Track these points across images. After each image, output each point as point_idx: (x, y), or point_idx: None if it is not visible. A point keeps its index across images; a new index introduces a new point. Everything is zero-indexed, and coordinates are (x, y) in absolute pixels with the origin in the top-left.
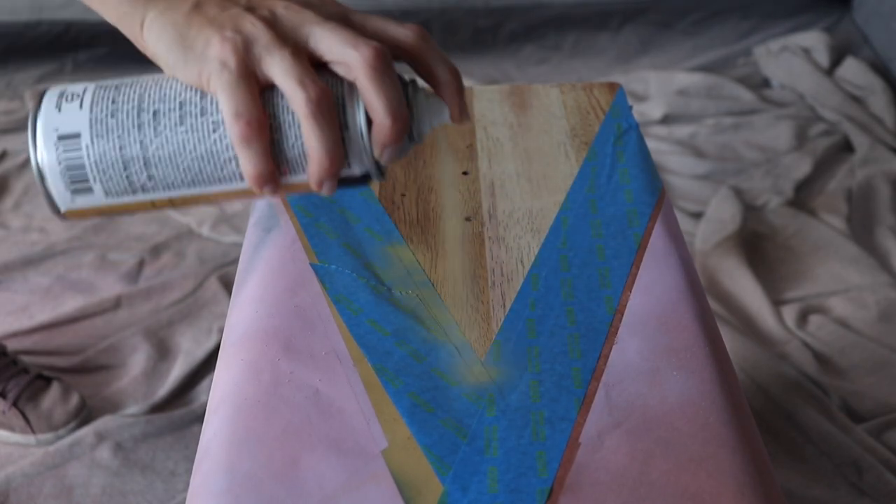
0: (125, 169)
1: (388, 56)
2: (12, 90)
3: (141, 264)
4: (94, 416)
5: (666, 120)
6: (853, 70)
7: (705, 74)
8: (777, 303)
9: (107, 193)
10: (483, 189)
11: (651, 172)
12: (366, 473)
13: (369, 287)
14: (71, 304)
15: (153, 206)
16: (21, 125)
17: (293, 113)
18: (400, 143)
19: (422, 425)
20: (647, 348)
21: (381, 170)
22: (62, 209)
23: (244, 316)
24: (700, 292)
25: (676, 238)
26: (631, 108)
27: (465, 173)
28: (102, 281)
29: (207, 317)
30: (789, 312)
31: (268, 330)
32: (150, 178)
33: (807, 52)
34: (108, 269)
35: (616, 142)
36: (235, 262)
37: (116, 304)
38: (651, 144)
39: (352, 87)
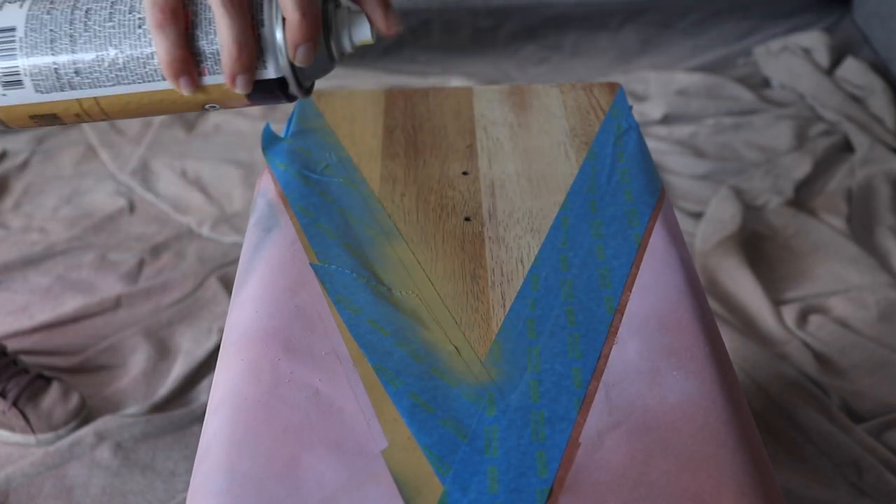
0: (54, 63)
1: None
2: None
3: (141, 264)
4: (94, 416)
5: (666, 120)
6: (853, 70)
7: (705, 74)
8: (777, 303)
9: (36, 89)
10: (483, 189)
11: (651, 172)
12: (366, 473)
13: (369, 287)
14: (71, 304)
15: (81, 108)
16: None
17: (210, 7)
18: (312, 41)
19: (422, 425)
20: (647, 348)
21: (299, 81)
22: None
23: (244, 316)
24: (700, 292)
25: (676, 238)
26: (631, 108)
27: (465, 173)
28: (102, 281)
29: (207, 317)
30: (789, 312)
31: (268, 330)
32: (77, 73)
33: (807, 52)
34: (108, 269)
35: (616, 142)
36: (235, 262)
37: (116, 304)
38: (651, 144)
39: None
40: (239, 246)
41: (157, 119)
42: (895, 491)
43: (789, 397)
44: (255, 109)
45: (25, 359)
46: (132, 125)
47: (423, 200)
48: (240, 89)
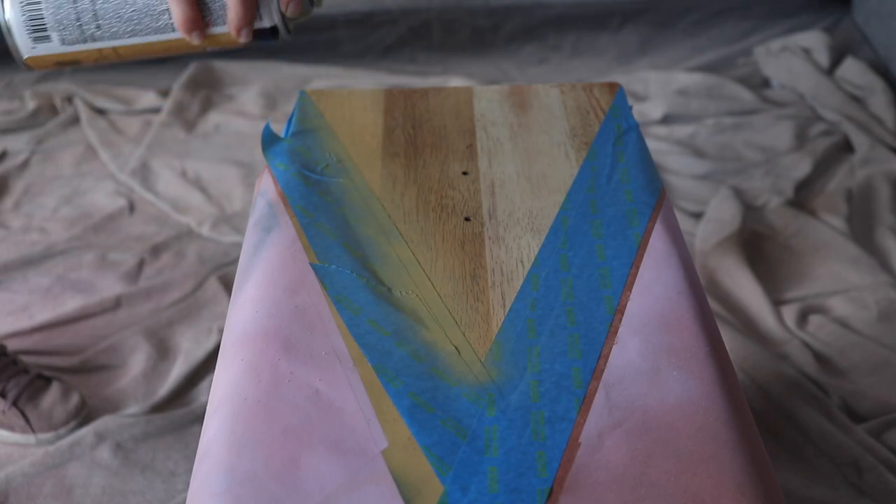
0: (77, 19)
1: None
2: (12, 90)
3: (141, 264)
4: (94, 416)
5: (666, 120)
6: (853, 70)
7: (705, 74)
8: (777, 303)
9: (62, 42)
10: (483, 189)
11: (651, 172)
12: (366, 473)
13: (369, 287)
14: (71, 304)
15: (100, 55)
16: (21, 125)
17: None
18: None
19: (422, 425)
20: (647, 348)
21: (287, 26)
22: (24, 56)
23: (244, 316)
24: (700, 292)
25: (676, 238)
26: (631, 108)
27: (465, 173)
28: (102, 281)
29: (207, 317)
30: (789, 312)
31: (268, 330)
32: (98, 27)
33: (807, 52)
34: (108, 269)
35: (616, 142)
36: (235, 262)
37: (116, 304)
38: (651, 144)
39: None
40: (239, 246)
41: (157, 119)
42: (895, 491)
43: (789, 397)
44: (255, 109)
45: (25, 359)
46: (132, 125)
47: (423, 200)
48: (243, 39)
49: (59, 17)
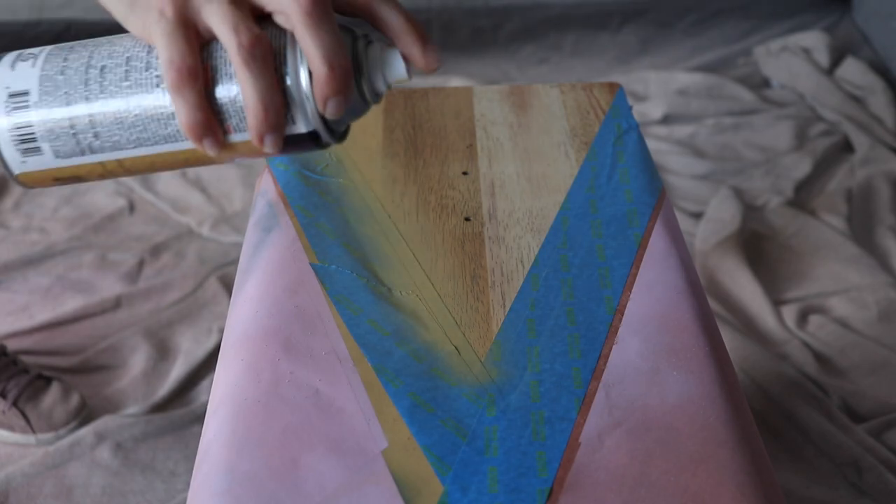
0: (72, 127)
1: (325, 3)
2: None
3: (141, 264)
4: (94, 416)
5: (666, 120)
6: (853, 70)
7: (705, 74)
8: (777, 303)
9: (56, 155)
10: (483, 189)
11: (651, 172)
12: (366, 473)
13: (369, 287)
14: (71, 304)
15: (104, 169)
16: None
17: (231, 63)
18: (342, 94)
19: (422, 425)
20: (647, 348)
21: (332, 130)
22: (15, 172)
23: (244, 316)
24: (700, 292)
25: (676, 238)
26: (631, 108)
27: (465, 173)
28: (102, 281)
29: (207, 317)
30: (789, 312)
31: (268, 330)
32: (96, 136)
33: (807, 52)
34: (108, 269)
35: (616, 142)
36: (235, 262)
37: (116, 304)
38: (651, 144)
39: (293, 37)
40: (239, 246)
41: None
42: (895, 491)
43: (789, 397)
44: None
45: (25, 359)
46: None
47: (423, 200)
48: (268, 149)
49: (50, 123)
